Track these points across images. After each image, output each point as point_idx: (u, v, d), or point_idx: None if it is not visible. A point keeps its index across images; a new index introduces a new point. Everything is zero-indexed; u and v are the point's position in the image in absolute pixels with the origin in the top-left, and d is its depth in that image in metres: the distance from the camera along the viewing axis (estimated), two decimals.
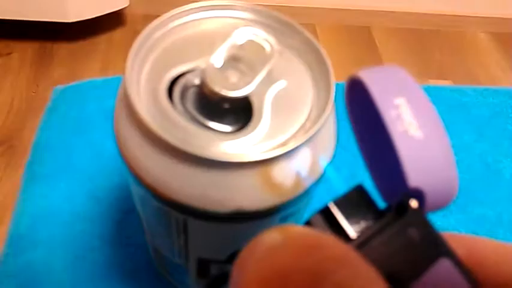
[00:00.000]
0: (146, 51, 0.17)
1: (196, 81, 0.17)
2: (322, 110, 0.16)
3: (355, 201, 0.12)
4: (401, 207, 0.11)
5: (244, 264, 0.10)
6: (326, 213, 0.12)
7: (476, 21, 1.41)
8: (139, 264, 0.29)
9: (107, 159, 0.33)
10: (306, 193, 0.17)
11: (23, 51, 1.27)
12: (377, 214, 0.12)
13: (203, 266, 0.21)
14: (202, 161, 0.15)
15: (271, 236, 0.10)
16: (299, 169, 0.16)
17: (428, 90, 0.44)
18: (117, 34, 1.33)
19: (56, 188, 0.31)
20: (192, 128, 0.16)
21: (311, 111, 0.17)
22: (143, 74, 0.17)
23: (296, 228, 0.11)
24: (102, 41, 1.30)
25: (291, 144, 0.15)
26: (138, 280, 0.28)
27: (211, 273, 0.22)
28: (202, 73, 0.16)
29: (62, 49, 1.28)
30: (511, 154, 0.39)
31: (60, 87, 0.40)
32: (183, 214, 0.17)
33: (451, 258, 0.11)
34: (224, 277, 0.23)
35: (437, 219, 0.34)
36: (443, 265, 0.11)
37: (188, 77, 0.17)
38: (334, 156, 0.18)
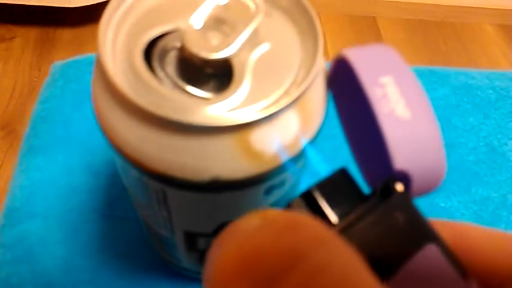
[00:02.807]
0: (124, 12, 0.16)
1: (177, 44, 0.16)
2: (309, 71, 0.15)
3: (338, 185, 0.11)
4: (386, 191, 0.11)
5: (222, 246, 0.10)
6: (307, 197, 0.11)
7: (483, 13, 1.40)
8: (135, 238, 0.28)
9: None
10: (290, 164, 0.15)
11: (26, 36, 1.26)
12: (361, 199, 0.11)
13: (190, 239, 0.20)
14: (174, 125, 0.13)
15: (249, 219, 0.10)
16: (281, 137, 0.15)
17: (433, 72, 0.43)
18: None
19: (53, 161, 0.31)
20: (168, 92, 0.15)
21: (297, 75, 0.16)
22: (120, 36, 0.16)
23: (275, 211, 0.10)
24: None
25: (271, 108, 0.14)
26: (134, 254, 0.28)
27: (200, 247, 0.21)
28: (181, 34, 0.15)
29: (65, 34, 1.27)
30: None
31: (59, 62, 0.39)
32: (160, 183, 0.16)
33: (438, 244, 0.11)
34: None
35: (439, 200, 0.34)
36: (430, 251, 0.10)
37: (167, 39, 0.16)
38: (318, 136, 0.17)
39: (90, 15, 1.28)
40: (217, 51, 0.15)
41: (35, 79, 1.15)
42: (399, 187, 0.11)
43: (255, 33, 0.16)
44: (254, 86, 0.15)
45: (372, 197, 0.11)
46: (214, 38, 0.16)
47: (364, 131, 0.13)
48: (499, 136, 0.38)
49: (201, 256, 0.23)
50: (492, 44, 1.35)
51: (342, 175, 0.12)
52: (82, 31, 1.27)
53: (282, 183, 0.17)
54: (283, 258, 0.08)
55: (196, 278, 0.26)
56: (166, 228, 0.20)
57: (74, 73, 0.37)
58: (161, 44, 0.16)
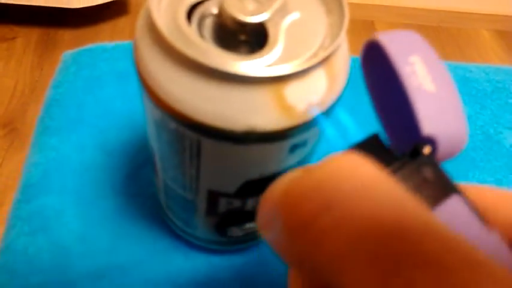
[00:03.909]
0: None
1: (214, 11, 0.18)
2: (336, 37, 0.17)
3: (372, 147, 0.13)
4: (415, 153, 0.13)
5: (271, 191, 0.12)
6: None
7: (480, 19, 1.42)
8: (148, 213, 0.29)
9: (118, 117, 0.34)
10: (317, 120, 0.17)
11: (28, 36, 1.27)
12: (393, 160, 0.13)
13: (212, 199, 0.22)
14: (217, 74, 0.15)
15: (293, 172, 0.12)
16: (311, 93, 0.16)
17: None
18: (121, 22, 1.33)
19: (67, 141, 0.32)
20: (209, 47, 0.16)
21: (324, 41, 0.18)
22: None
23: (315, 165, 0.12)
24: (106, 28, 1.31)
25: (304, 64, 0.16)
26: (146, 227, 0.29)
27: (219, 211, 0.23)
28: (220, 0, 0.17)
29: (66, 35, 1.28)
30: None
31: (69, 51, 0.40)
32: (196, 134, 0.17)
33: (462, 196, 0.12)
34: (232, 217, 0.23)
35: None
36: (455, 200, 0.12)
37: (206, 5, 0.18)
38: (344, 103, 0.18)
39: (91, 17, 1.30)
40: (253, 15, 0.17)
41: (36, 79, 1.16)
42: (427, 149, 0.12)
43: (285, 4, 0.18)
44: (286, 48, 0.17)
45: (402, 158, 0.13)
46: (250, 5, 0.18)
47: (394, 105, 0.15)
48: (495, 125, 0.40)
49: (217, 223, 0.24)
50: (488, 49, 1.37)
51: (375, 139, 0.13)
52: (83, 32, 1.29)
53: (304, 143, 0.19)
54: (319, 201, 0.10)
55: (207, 247, 0.27)
56: (191, 189, 0.22)
57: (86, 60, 0.38)
58: (199, 10, 0.18)
